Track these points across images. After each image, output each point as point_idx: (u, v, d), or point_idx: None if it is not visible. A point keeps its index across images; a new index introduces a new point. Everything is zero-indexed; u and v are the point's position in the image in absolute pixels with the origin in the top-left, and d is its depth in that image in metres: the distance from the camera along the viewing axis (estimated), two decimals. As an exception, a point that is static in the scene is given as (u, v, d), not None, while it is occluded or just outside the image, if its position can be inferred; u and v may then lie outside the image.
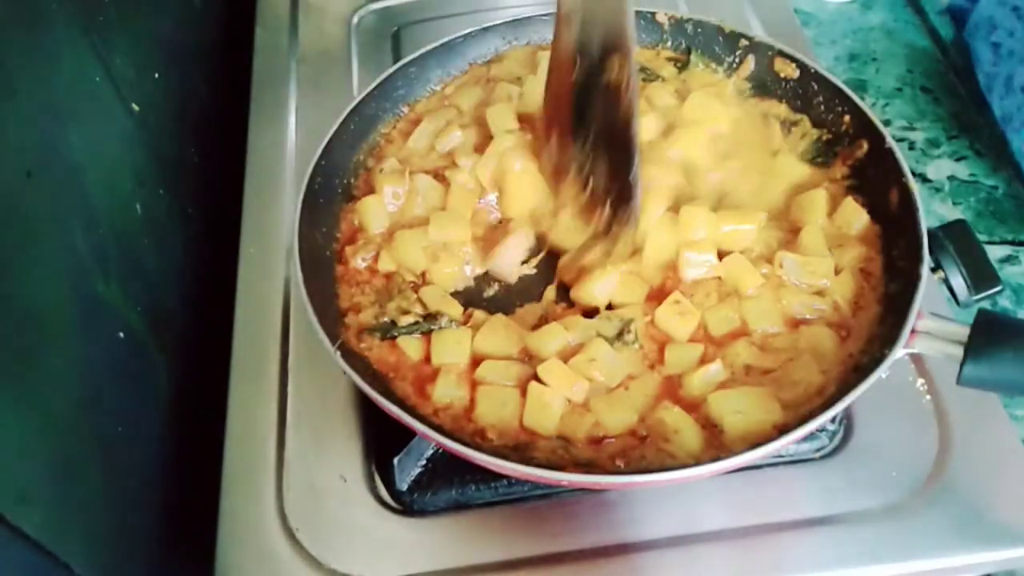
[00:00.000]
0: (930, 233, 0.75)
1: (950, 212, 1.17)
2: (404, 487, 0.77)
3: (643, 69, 0.97)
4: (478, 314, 0.79)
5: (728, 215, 0.81)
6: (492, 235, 0.86)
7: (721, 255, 0.79)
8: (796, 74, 0.91)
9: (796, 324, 0.76)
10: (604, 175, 0.77)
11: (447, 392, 0.73)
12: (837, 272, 0.77)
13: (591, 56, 0.74)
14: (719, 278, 0.79)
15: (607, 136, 0.76)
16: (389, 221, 0.86)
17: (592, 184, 0.79)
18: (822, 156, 0.88)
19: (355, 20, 1.24)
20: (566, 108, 0.78)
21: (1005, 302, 1.08)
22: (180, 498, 0.81)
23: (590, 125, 0.77)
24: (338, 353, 0.72)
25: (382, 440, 0.80)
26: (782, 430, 0.67)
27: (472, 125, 0.94)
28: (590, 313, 0.78)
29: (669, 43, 0.99)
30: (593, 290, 0.78)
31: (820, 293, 0.77)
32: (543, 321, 0.79)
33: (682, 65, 0.98)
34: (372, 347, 0.77)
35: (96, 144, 0.76)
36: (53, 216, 0.66)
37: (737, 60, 0.96)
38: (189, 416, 0.86)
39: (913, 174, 0.78)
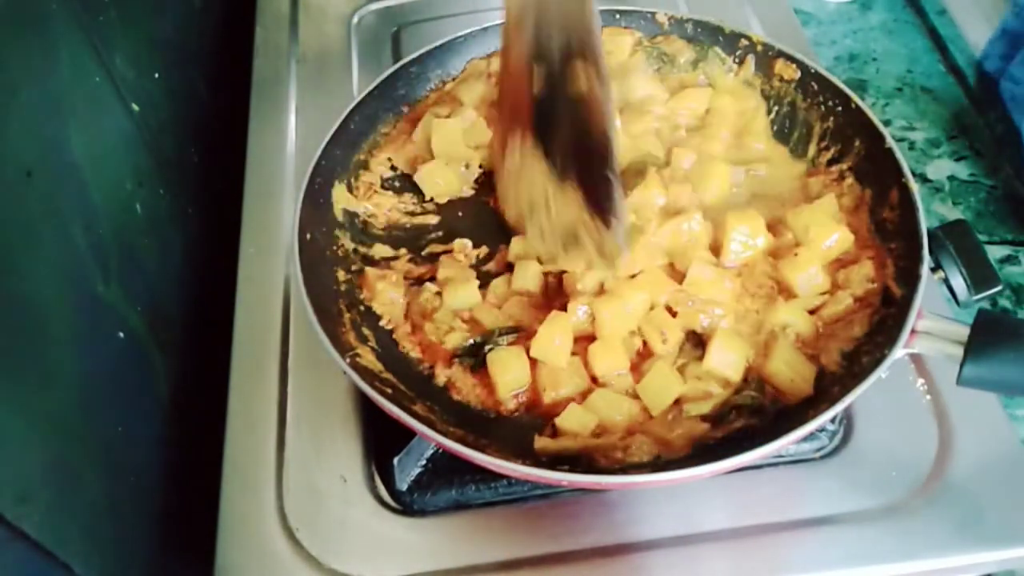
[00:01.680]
0: (930, 233, 0.75)
1: (950, 212, 1.17)
2: (404, 487, 0.77)
3: (662, 56, 0.98)
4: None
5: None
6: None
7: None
8: (796, 74, 0.91)
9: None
10: (579, 191, 0.68)
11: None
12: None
13: (551, 63, 0.64)
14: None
15: (579, 151, 0.67)
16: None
17: (564, 200, 0.69)
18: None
19: (355, 20, 1.24)
20: (526, 121, 0.68)
21: (1005, 302, 1.08)
22: (180, 498, 0.81)
23: (557, 140, 0.67)
24: (338, 354, 0.72)
25: (382, 440, 0.80)
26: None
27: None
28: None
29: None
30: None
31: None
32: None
33: (698, 56, 0.98)
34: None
35: (96, 144, 0.76)
36: (53, 216, 0.66)
37: (737, 60, 0.96)
38: (189, 416, 0.86)
39: (913, 174, 0.78)
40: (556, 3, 0.63)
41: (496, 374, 0.76)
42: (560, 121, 0.67)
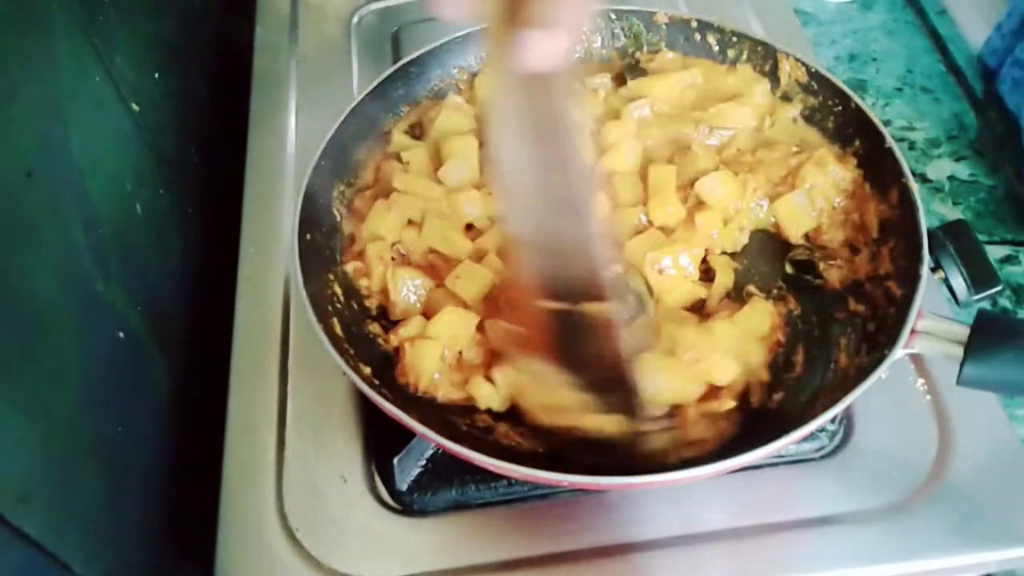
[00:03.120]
0: (930, 233, 0.75)
1: (950, 212, 1.17)
2: (404, 487, 0.77)
3: None
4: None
5: None
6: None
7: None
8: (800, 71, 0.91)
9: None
10: (601, 396, 0.68)
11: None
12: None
13: (562, 296, 0.64)
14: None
15: (599, 367, 0.67)
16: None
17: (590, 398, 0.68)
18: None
19: (355, 20, 1.24)
20: (543, 336, 0.68)
21: (1005, 302, 1.08)
22: (180, 498, 0.81)
23: (576, 356, 0.67)
24: (338, 354, 0.72)
25: (382, 440, 0.80)
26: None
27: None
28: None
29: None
30: None
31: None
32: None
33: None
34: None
35: (96, 144, 0.76)
36: (53, 216, 0.66)
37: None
38: (189, 416, 0.86)
39: (913, 174, 0.78)
40: (568, 251, 0.62)
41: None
42: (578, 344, 0.67)
